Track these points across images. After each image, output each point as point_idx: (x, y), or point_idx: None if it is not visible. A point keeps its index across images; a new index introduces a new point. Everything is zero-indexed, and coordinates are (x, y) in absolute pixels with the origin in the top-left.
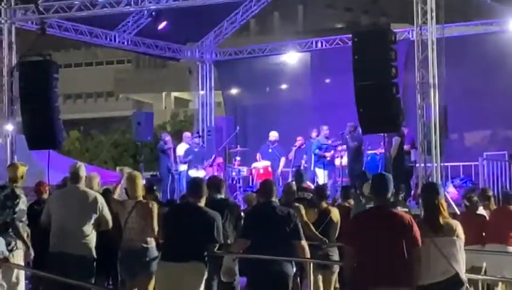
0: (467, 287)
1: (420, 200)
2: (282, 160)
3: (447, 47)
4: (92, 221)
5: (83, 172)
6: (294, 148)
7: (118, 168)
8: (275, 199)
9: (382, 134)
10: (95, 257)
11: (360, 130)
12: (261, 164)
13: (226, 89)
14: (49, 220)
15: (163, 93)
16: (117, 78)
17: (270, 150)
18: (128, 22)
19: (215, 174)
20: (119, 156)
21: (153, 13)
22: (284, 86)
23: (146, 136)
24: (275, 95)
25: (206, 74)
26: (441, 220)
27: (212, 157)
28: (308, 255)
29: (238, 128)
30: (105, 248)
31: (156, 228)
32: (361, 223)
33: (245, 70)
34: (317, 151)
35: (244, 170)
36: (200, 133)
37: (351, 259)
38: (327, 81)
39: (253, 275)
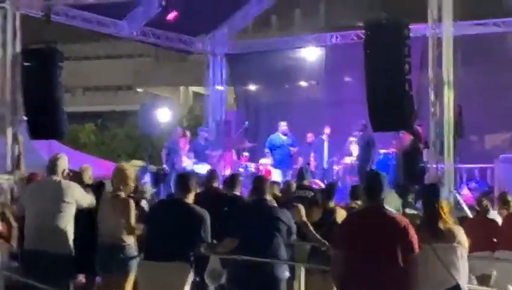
0: None
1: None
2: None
3: (465, 45)
4: (68, 213)
5: (62, 163)
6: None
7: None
8: (268, 197)
9: (394, 132)
10: (73, 253)
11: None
12: (269, 160)
13: (237, 83)
14: (22, 214)
15: (181, 88)
16: (136, 71)
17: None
18: (138, 11)
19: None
20: (134, 150)
21: (163, 3)
22: (297, 82)
23: (152, 129)
24: (288, 90)
25: (218, 67)
26: (441, 225)
27: (219, 152)
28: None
29: (246, 122)
30: (84, 243)
31: (133, 226)
32: (351, 225)
33: (257, 65)
34: None
35: (252, 166)
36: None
37: (339, 265)
38: (342, 77)
39: (240, 279)
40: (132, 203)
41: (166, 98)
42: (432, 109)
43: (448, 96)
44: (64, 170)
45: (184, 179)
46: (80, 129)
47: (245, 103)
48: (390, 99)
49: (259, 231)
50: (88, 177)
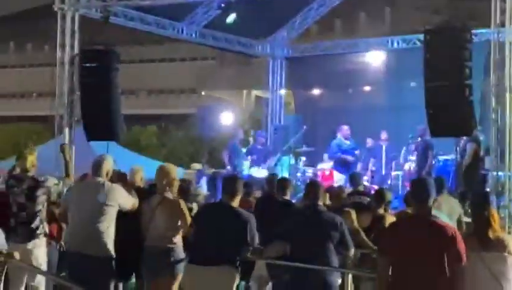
0: None
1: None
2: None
3: None
4: (108, 216)
5: (106, 164)
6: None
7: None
8: (321, 203)
9: (455, 138)
10: (113, 256)
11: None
12: (327, 165)
13: (297, 86)
14: (65, 213)
15: (244, 91)
16: (199, 74)
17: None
18: (197, 13)
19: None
20: (195, 153)
21: (223, 5)
22: (357, 87)
23: (209, 131)
24: (347, 95)
25: (277, 70)
26: (491, 234)
27: (277, 156)
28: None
29: (305, 127)
30: (125, 246)
31: (185, 227)
32: (398, 232)
33: (318, 69)
34: None
35: (310, 171)
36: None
37: (385, 272)
38: (402, 82)
39: (292, 284)
40: (182, 202)
41: (229, 101)
42: (493, 115)
43: (510, 102)
44: (108, 171)
45: (230, 182)
46: (142, 131)
47: (304, 107)
48: (449, 104)
49: (310, 237)
50: (139, 179)
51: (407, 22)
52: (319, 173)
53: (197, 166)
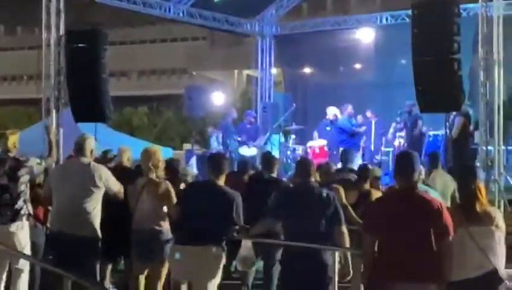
0: (507, 284)
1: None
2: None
3: None
4: (94, 196)
5: (89, 144)
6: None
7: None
8: (313, 180)
9: (444, 114)
10: (99, 237)
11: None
12: (317, 143)
13: (286, 64)
14: (50, 195)
15: (236, 71)
16: (190, 55)
17: (328, 128)
18: None
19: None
20: (187, 133)
21: None
22: (347, 64)
23: (197, 111)
24: (338, 72)
25: (267, 49)
26: (478, 208)
27: (267, 135)
28: (347, 242)
29: (294, 105)
30: (113, 228)
31: (171, 209)
32: (382, 208)
33: (307, 47)
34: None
35: (300, 149)
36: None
37: (370, 249)
38: (392, 59)
39: (287, 264)
40: (169, 184)
41: (220, 81)
42: (482, 89)
43: (499, 76)
44: (92, 150)
45: (216, 160)
46: (133, 112)
47: (294, 85)
48: (437, 79)
49: (304, 215)
50: (127, 159)
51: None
52: (309, 150)
53: (188, 146)
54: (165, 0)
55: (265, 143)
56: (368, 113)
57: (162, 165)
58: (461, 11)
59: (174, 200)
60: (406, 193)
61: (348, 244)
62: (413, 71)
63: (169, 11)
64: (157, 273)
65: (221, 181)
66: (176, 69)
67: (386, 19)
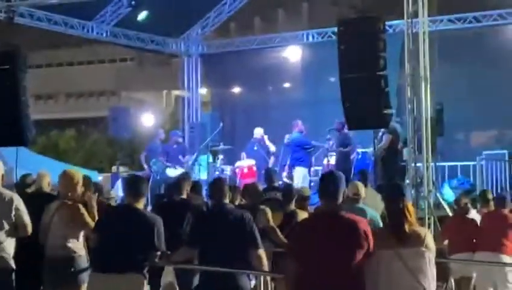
0: None
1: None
2: (272, 159)
3: (447, 42)
4: (7, 226)
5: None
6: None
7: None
8: (227, 201)
9: (373, 131)
10: (13, 267)
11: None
12: (245, 163)
13: (213, 84)
14: None
15: (164, 92)
16: (119, 76)
17: (255, 148)
18: (107, 12)
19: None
20: (115, 155)
21: (133, 2)
22: (275, 83)
23: (122, 132)
24: (265, 91)
25: (193, 68)
26: (407, 228)
27: (194, 155)
28: (265, 266)
29: (221, 124)
30: (28, 257)
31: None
32: (306, 230)
33: (235, 66)
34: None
35: (228, 169)
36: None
37: (293, 273)
38: (319, 77)
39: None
40: (81, 207)
41: (149, 102)
42: (409, 106)
43: (426, 92)
44: (3, 175)
45: (133, 182)
46: (60, 135)
47: (222, 105)
48: (364, 96)
49: (219, 239)
50: (47, 184)
51: (324, 17)
52: (237, 170)
53: (115, 169)
54: (87, 20)
55: (193, 164)
56: (287, 136)
57: (79, 188)
58: (387, 27)
59: (91, 224)
60: (329, 215)
61: (266, 268)
62: (341, 88)
63: (92, 31)
64: None
65: (140, 204)
66: (104, 91)
67: (313, 37)
